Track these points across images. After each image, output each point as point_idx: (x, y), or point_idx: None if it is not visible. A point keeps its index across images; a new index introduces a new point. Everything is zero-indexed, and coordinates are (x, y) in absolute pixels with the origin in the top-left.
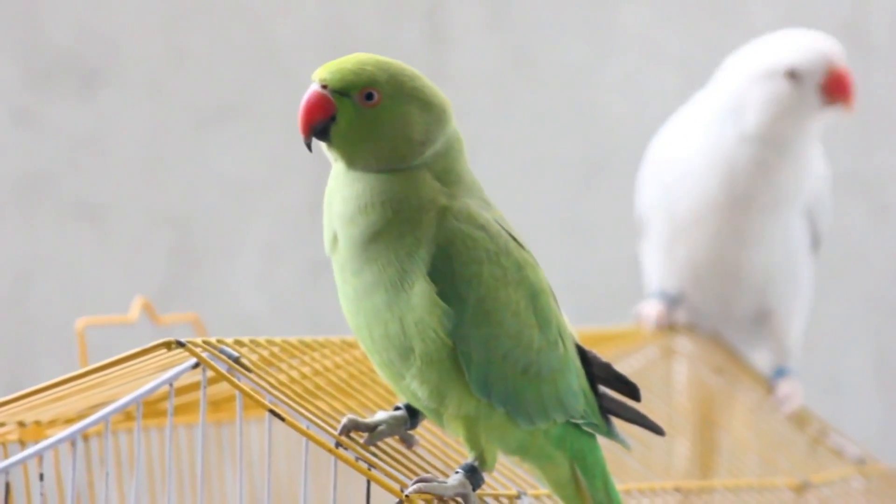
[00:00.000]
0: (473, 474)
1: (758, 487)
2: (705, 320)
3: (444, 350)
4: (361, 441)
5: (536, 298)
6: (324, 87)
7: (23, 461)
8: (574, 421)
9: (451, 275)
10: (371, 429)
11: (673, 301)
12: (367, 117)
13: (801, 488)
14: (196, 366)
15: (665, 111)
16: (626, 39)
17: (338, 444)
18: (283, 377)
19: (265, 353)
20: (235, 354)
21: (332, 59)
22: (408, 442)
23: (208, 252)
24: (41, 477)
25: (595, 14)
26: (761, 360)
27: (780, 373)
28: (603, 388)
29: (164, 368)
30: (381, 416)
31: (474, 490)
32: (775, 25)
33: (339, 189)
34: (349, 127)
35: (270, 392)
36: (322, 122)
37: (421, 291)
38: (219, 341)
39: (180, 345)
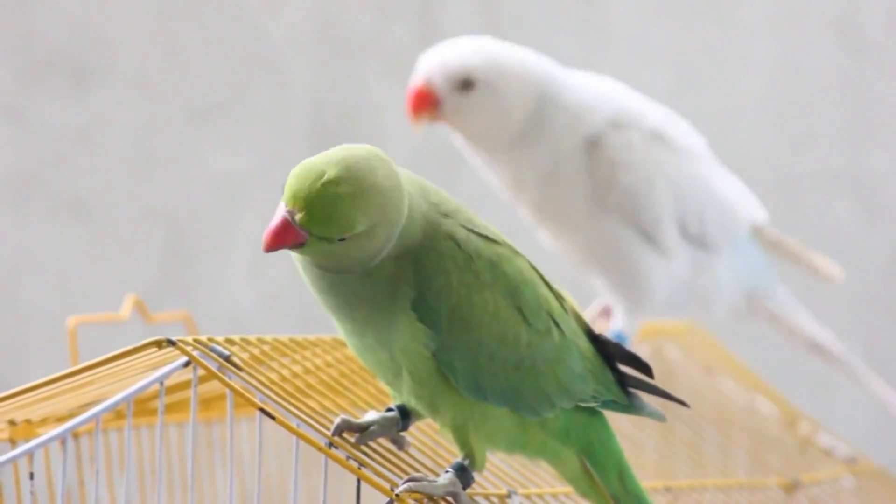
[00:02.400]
0: (463, 473)
1: (748, 487)
2: None
3: (431, 366)
4: (352, 441)
5: (518, 291)
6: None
7: (13, 460)
8: (586, 404)
9: (420, 290)
10: (363, 429)
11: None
12: (338, 248)
13: (792, 487)
14: (187, 364)
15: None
16: (617, 38)
17: (329, 444)
18: (273, 376)
19: (256, 352)
20: (226, 353)
21: (322, 61)
22: (399, 443)
23: (200, 250)
24: (31, 476)
25: (586, 13)
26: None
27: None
28: (623, 368)
29: (155, 367)
30: (372, 416)
31: (464, 489)
32: (767, 23)
33: (308, 272)
34: (318, 254)
35: (261, 391)
36: (292, 245)
37: (403, 322)
38: (210, 340)
39: (171, 343)
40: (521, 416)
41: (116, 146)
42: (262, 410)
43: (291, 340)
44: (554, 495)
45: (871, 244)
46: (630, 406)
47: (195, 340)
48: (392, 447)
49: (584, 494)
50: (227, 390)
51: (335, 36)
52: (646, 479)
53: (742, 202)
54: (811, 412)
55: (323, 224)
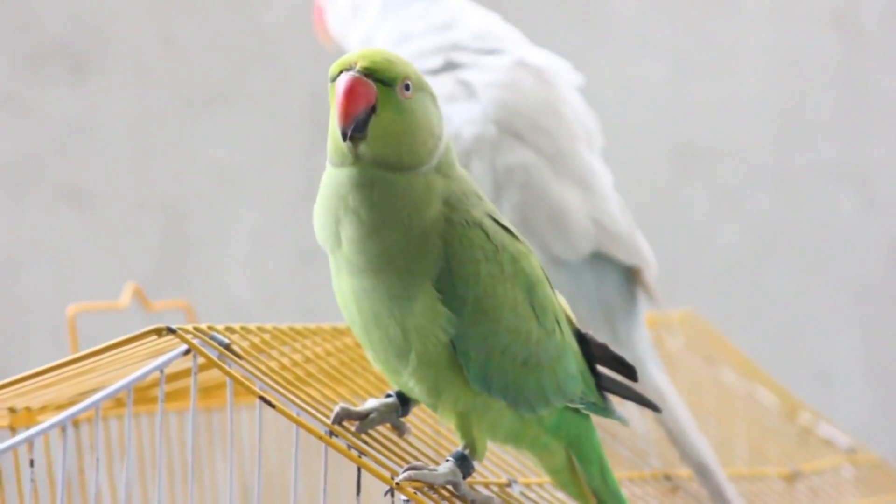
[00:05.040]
0: (464, 462)
1: (748, 476)
2: None
3: (444, 351)
4: (353, 429)
5: (533, 289)
6: (365, 74)
7: (13, 447)
8: (573, 405)
9: (450, 276)
10: (362, 417)
11: None
12: (405, 109)
13: (792, 477)
14: (187, 352)
15: (655, 99)
16: (616, 28)
17: (329, 432)
18: (273, 364)
19: (256, 340)
20: (226, 341)
21: (319, 50)
22: (399, 429)
23: (199, 239)
24: (31, 463)
25: (586, 3)
26: None
27: None
28: (601, 369)
29: (155, 355)
30: (372, 403)
31: (464, 478)
32: (765, 15)
33: (350, 194)
34: (390, 119)
35: (261, 379)
36: (365, 112)
37: (424, 299)
38: (209, 328)
39: (171, 331)
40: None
41: (115, 135)
42: (262, 399)
43: (291, 329)
44: (554, 484)
45: (869, 235)
46: (605, 409)
47: (195, 329)
48: (393, 435)
49: (564, 486)
50: (227, 378)
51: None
52: (646, 467)
53: (595, 224)
54: (811, 403)
55: (384, 64)
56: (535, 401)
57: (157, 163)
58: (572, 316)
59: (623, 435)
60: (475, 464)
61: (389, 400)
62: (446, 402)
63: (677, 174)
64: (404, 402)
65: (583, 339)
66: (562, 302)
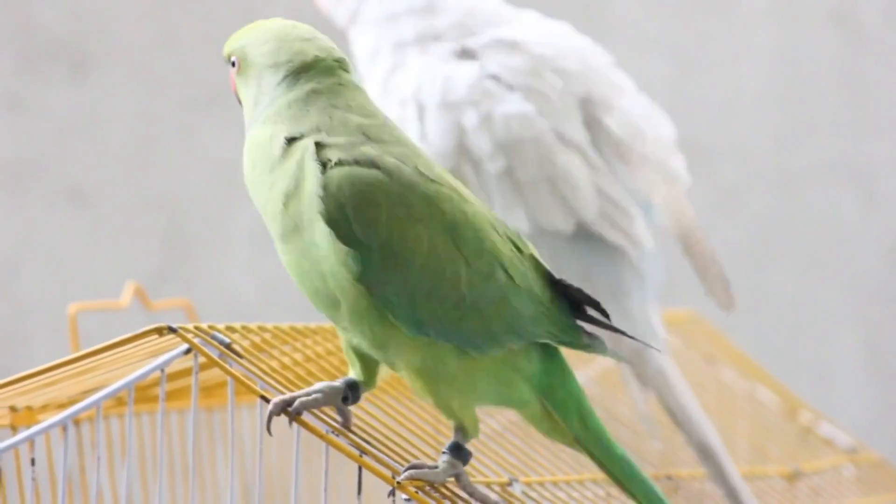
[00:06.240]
0: (460, 452)
1: (749, 476)
2: None
3: (363, 297)
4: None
5: (457, 231)
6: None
7: (14, 446)
8: (543, 340)
9: (348, 221)
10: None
11: None
12: (237, 83)
13: (793, 477)
14: (188, 351)
15: (655, 98)
16: (616, 28)
17: (330, 430)
18: (274, 363)
19: (257, 340)
20: (227, 340)
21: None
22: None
23: (200, 237)
24: (32, 462)
25: (586, 2)
26: None
27: None
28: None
29: (156, 354)
30: (318, 386)
31: (464, 464)
32: (765, 14)
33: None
34: (237, 92)
35: (262, 378)
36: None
37: (322, 238)
38: (210, 327)
39: (172, 330)
40: (467, 353)
41: (115, 134)
42: (263, 398)
43: (292, 328)
44: (555, 483)
45: (870, 234)
46: (589, 346)
47: (196, 328)
48: (394, 434)
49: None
50: (228, 378)
51: (332, 23)
52: (648, 468)
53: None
54: (812, 402)
55: (226, 44)
56: (483, 342)
57: (158, 161)
58: (542, 261)
59: (624, 435)
60: (476, 463)
61: (336, 383)
62: (395, 356)
63: None
64: (353, 388)
65: (557, 284)
66: (529, 249)
